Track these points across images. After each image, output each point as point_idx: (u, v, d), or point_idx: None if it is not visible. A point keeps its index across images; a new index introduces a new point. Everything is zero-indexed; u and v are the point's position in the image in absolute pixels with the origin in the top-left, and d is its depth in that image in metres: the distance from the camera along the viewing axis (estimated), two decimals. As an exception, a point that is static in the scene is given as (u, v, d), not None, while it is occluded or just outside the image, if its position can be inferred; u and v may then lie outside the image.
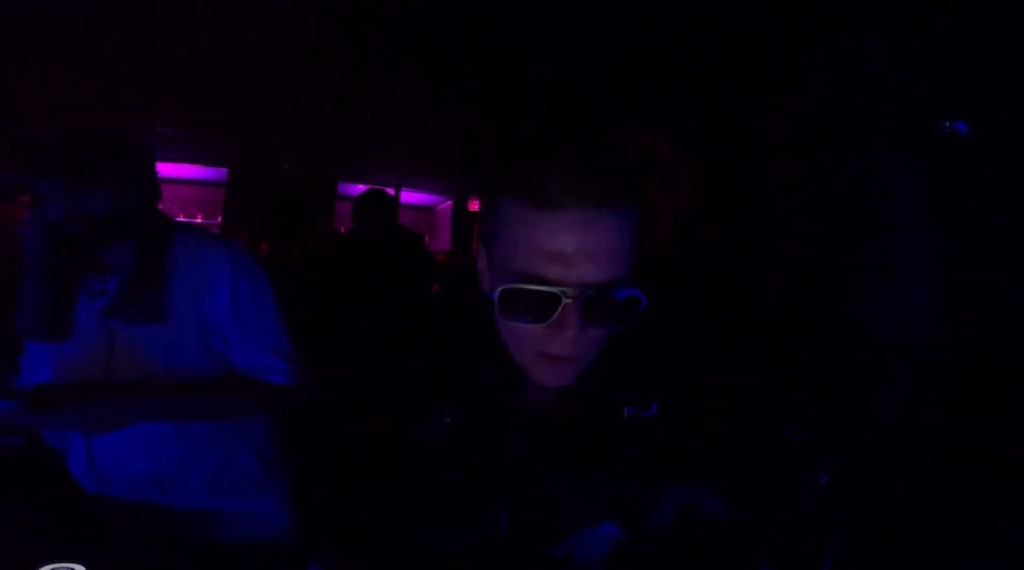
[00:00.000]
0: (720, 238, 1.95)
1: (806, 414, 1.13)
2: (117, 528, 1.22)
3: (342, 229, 5.99)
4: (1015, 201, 0.82)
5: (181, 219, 5.92)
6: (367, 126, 4.28)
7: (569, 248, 0.59)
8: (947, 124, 0.77)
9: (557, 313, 0.60)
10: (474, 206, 6.39)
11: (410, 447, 0.81)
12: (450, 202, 6.95)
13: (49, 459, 1.28)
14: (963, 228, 0.78)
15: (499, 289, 0.61)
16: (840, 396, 1.02)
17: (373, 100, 3.61)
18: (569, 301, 0.59)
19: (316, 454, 0.90)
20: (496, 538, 0.83)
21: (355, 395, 0.87)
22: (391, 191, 4.74)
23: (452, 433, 0.78)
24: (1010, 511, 0.93)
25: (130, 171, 1.11)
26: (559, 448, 0.80)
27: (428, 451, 0.80)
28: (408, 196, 6.63)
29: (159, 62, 3.01)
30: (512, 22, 2.36)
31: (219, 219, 5.94)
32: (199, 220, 6.20)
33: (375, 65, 2.96)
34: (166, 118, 4.34)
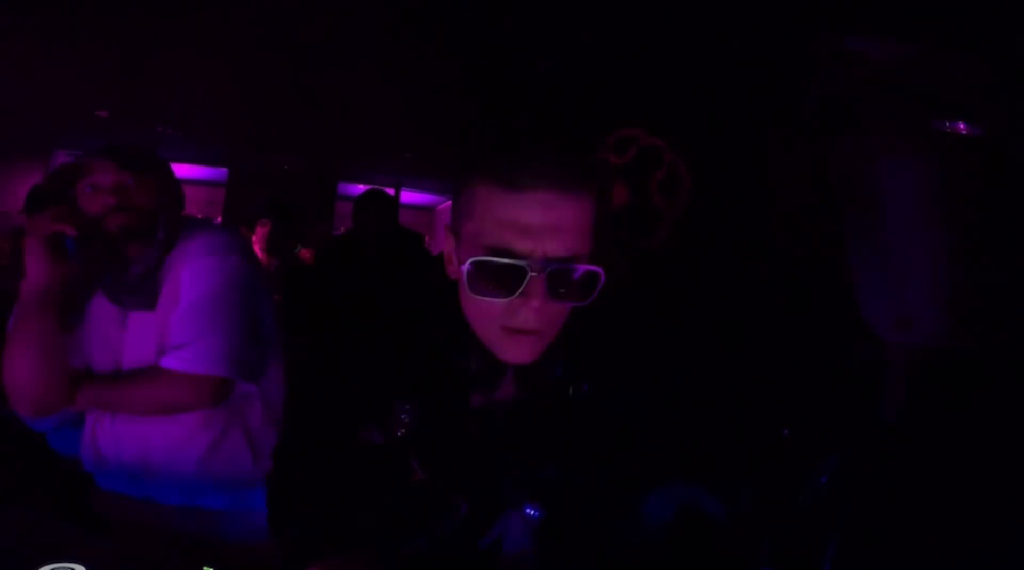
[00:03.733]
0: (720, 238, 1.96)
1: (806, 414, 1.13)
2: (115, 526, 1.23)
3: (342, 229, 6.00)
4: (1017, 200, 0.82)
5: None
6: (367, 126, 4.27)
7: (535, 222, 0.64)
8: (947, 124, 0.77)
9: (523, 285, 0.64)
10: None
11: (361, 449, 0.81)
12: (450, 202, 6.95)
13: (49, 459, 1.28)
14: (965, 227, 0.78)
15: (469, 261, 0.65)
16: (840, 396, 1.02)
17: (373, 100, 3.61)
18: (534, 274, 0.64)
19: (281, 454, 0.89)
20: (452, 526, 0.84)
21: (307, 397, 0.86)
22: (391, 191, 4.74)
23: (414, 432, 0.78)
24: (1011, 511, 0.93)
25: (170, 177, 1.21)
26: (512, 434, 0.82)
27: (383, 451, 0.80)
28: (408, 196, 6.63)
29: (159, 62, 3.01)
30: (512, 22, 2.36)
31: (219, 219, 5.95)
32: (199, 220, 6.20)
33: (375, 64, 2.96)
34: (166, 118, 4.34)
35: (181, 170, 5.84)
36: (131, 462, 1.17)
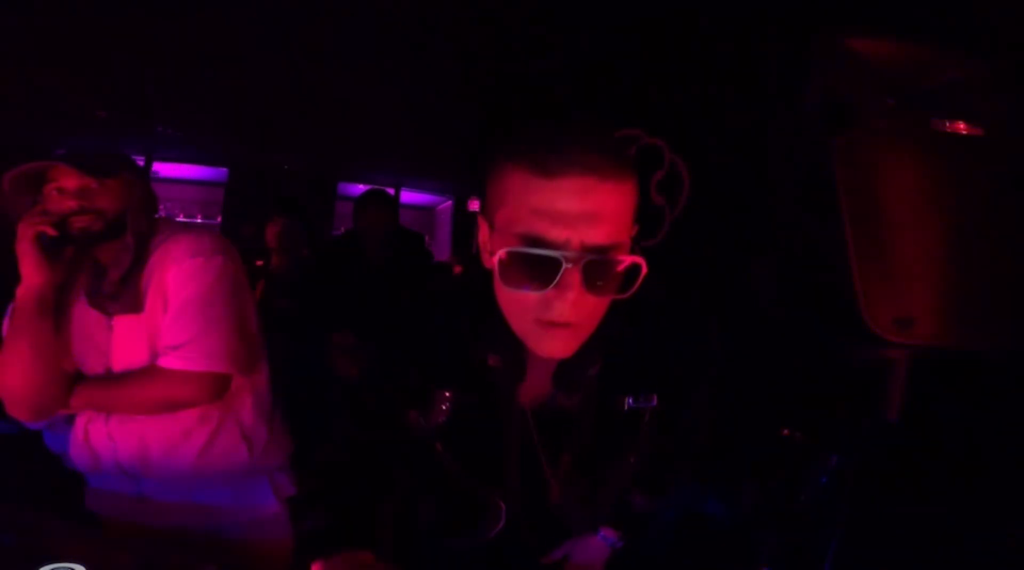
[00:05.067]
0: (719, 238, 1.95)
1: (806, 414, 1.13)
2: (111, 524, 1.23)
3: (342, 229, 6.00)
4: (1017, 200, 0.82)
5: (181, 219, 5.93)
6: (367, 126, 4.27)
7: (570, 209, 0.60)
8: (947, 124, 0.77)
9: (558, 277, 0.61)
10: (474, 206, 6.37)
11: (409, 436, 0.81)
12: (450, 202, 6.95)
13: (49, 459, 1.28)
14: (964, 227, 0.78)
15: (502, 251, 0.62)
16: (840, 396, 1.02)
17: (373, 100, 3.61)
18: (570, 266, 0.60)
19: (317, 451, 0.90)
20: (496, 530, 0.82)
21: (353, 389, 0.87)
22: (391, 191, 4.73)
23: (451, 421, 0.77)
24: (1011, 511, 0.92)
25: (137, 180, 1.21)
26: (559, 442, 0.80)
27: (425, 440, 0.80)
28: (408, 196, 6.63)
29: (159, 62, 3.00)
30: (512, 22, 2.36)
31: (219, 219, 5.95)
32: (199, 220, 6.21)
33: (375, 64, 2.96)
34: (166, 118, 4.33)
35: (181, 170, 5.78)
36: (127, 460, 1.18)
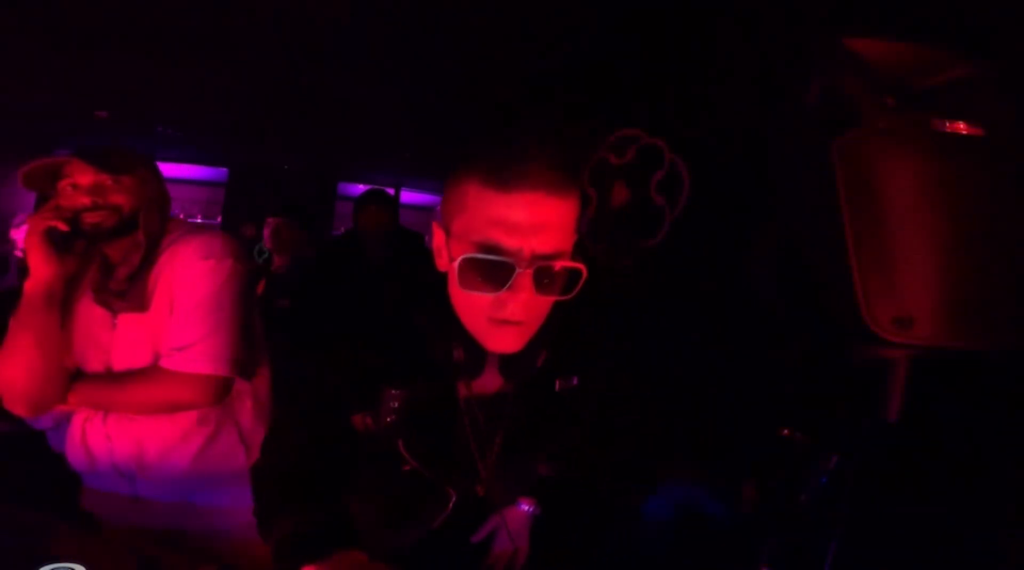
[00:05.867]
0: (719, 238, 1.95)
1: (806, 414, 1.13)
2: (107, 524, 1.23)
3: (342, 229, 6.00)
4: (1017, 200, 0.82)
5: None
6: (367, 126, 4.27)
7: (523, 221, 0.67)
8: (947, 124, 0.77)
9: (511, 281, 0.68)
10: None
11: (352, 438, 0.83)
12: (450, 202, 6.95)
13: (49, 459, 1.28)
14: (964, 227, 0.78)
15: (460, 258, 0.69)
16: (840, 396, 1.02)
17: (373, 100, 3.61)
18: (522, 270, 0.68)
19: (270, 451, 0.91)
20: (443, 517, 0.85)
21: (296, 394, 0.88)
22: (391, 191, 4.74)
23: (401, 419, 0.80)
24: (1011, 511, 0.92)
25: (151, 178, 1.22)
26: (498, 427, 0.85)
27: (375, 437, 0.82)
28: (408, 196, 6.63)
29: (158, 62, 3.00)
30: (513, 22, 2.36)
31: (219, 219, 5.96)
32: (199, 220, 6.21)
33: (375, 64, 2.96)
34: (166, 118, 4.33)
35: (181, 170, 5.78)
36: (123, 461, 1.18)
